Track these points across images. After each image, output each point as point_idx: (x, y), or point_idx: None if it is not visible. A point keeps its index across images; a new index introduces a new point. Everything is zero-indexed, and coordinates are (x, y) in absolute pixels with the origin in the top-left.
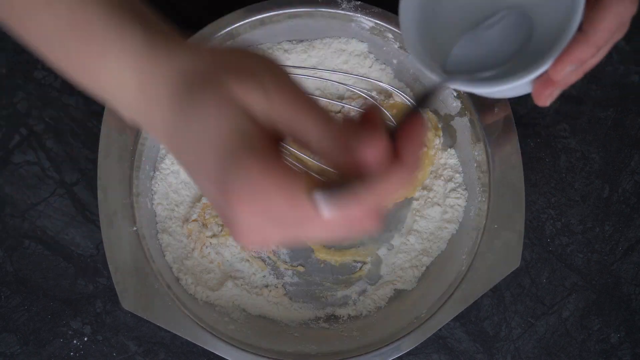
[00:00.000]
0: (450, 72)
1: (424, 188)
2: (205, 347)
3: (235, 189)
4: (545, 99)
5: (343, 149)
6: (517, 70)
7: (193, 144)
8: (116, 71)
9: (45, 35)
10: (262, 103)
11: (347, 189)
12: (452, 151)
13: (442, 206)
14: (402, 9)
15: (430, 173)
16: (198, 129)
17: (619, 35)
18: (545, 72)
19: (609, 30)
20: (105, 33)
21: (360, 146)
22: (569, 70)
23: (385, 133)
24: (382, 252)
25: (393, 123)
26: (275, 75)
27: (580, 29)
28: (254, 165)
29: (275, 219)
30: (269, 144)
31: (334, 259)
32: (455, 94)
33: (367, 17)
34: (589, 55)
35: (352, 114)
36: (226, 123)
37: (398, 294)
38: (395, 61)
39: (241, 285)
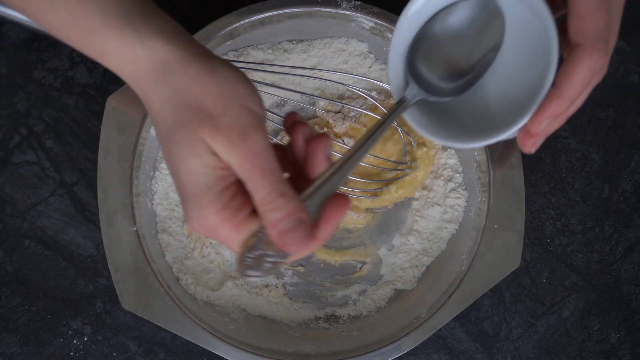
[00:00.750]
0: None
1: (424, 188)
2: (205, 347)
3: (192, 216)
4: (529, 148)
5: (273, 227)
6: (496, 125)
7: (169, 159)
8: (116, 68)
9: (52, 29)
10: (226, 155)
11: (267, 261)
12: (452, 151)
13: (442, 206)
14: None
15: (430, 173)
16: (174, 155)
17: (595, 81)
18: (525, 126)
19: (582, 83)
20: (106, 42)
21: (285, 238)
22: (546, 123)
23: (310, 232)
24: (382, 252)
25: (394, 123)
26: (244, 135)
27: (553, 83)
28: (208, 209)
29: (214, 238)
30: (226, 185)
31: (334, 259)
32: None
33: (367, 17)
34: (563, 108)
35: (352, 113)
36: (195, 159)
37: (398, 294)
38: None
39: (241, 285)
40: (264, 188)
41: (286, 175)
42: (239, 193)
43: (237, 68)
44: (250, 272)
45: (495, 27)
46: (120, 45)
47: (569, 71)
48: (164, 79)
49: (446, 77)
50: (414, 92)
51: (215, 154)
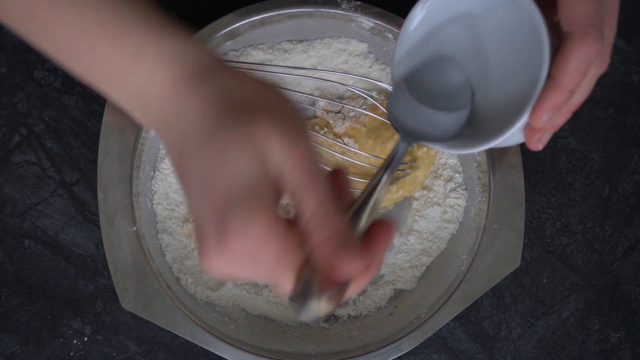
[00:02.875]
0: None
1: (424, 188)
2: (205, 347)
3: (233, 227)
4: (535, 144)
5: (322, 245)
6: (500, 126)
7: (205, 167)
8: (148, 72)
9: (71, 38)
10: (278, 159)
11: (320, 298)
12: None
13: (442, 206)
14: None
15: (430, 173)
16: (216, 157)
17: (598, 71)
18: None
19: (577, 71)
20: (142, 41)
21: (339, 262)
22: (547, 117)
23: (361, 252)
24: None
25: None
26: (301, 135)
27: (550, 75)
28: (258, 216)
29: (251, 267)
30: (274, 200)
31: None
32: None
33: (367, 17)
34: (562, 99)
35: (352, 114)
36: (244, 163)
37: (398, 294)
38: None
39: (241, 285)
40: (315, 199)
41: None
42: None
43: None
44: (306, 313)
45: (463, 84)
46: (158, 46)
47: (562, 60)
48: (205, 83)
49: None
50: (406, 140)
51: (265, 158)
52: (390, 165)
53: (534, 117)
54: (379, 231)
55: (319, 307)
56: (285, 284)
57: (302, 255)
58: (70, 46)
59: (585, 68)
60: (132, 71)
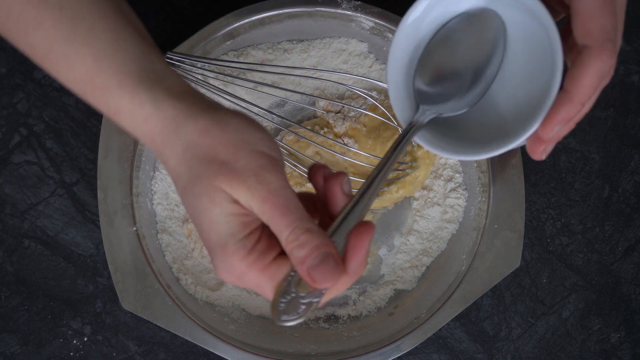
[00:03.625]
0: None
1: (424, 188)
2: (205, 347)
3: (220, 267)
4: (540, 155)
5: (300, 264)
6: (506, 135)
7: (190, 212)
8: (129, 127)
9: (68, 84)
10: (245, 200)
11: (301, 303)
12: None
13: (442, 206)
14: (391, 57)
15: (430, 173)
16: (195, 207)
17: (604, 83)
18: (535, 132)
19: (592, 85)
20: (119, 101)
21: (313, 274)
22: (558, 129)
23: (339, 264)
24: (382, 252)
25: (394, 123)
26: (260, 177)
27: (562, 87)
28: (234, 253)
29: (242, 285)
30: (250, 230)
31: None
32: None
33: (367, 17)
34: (574, 112)
35: (352, 113)
36: (216, 210)
37: (398, 294)
38: None
39: None
40: (287, 226)
41: (316, 221)
42: (264, 237)
43: (247, 116)
44: (285, 317)
45: (497, 38)
46: (131, 106)
47: (577, 74)
48: (176, 136)
49: (452, 92)
50: (425, 113)
51: (235, 201)
52: (399, 145)
53: (545, 129)
54: (356, 234)
55: (298, 312)
56: (269, 295)
57: (282, 269)
58: (70, 87)
59: (598, 82)
60: (118, 121)
